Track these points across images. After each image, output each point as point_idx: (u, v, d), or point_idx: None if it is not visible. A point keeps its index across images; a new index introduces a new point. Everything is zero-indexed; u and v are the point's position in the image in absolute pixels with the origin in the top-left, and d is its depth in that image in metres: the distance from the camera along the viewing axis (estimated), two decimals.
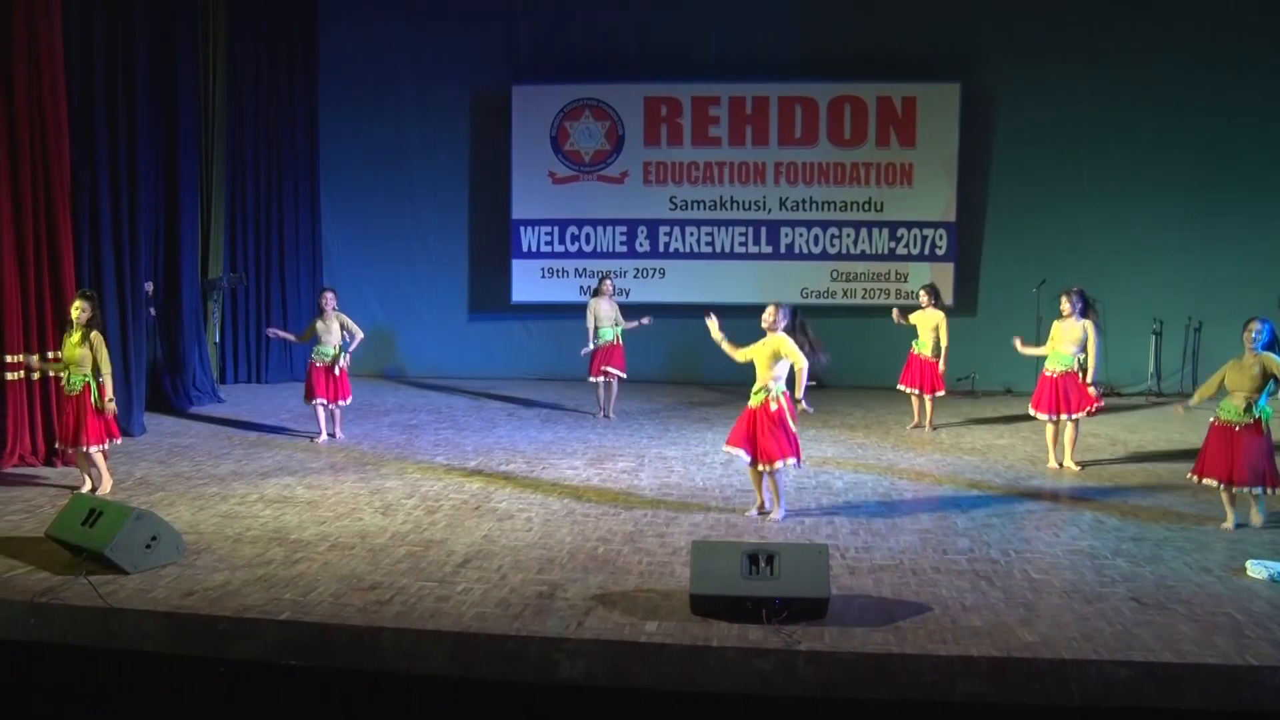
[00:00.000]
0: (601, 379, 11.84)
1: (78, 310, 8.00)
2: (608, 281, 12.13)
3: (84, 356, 7.93)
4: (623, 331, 11.88)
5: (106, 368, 8.00)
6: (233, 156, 14.00)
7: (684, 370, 14.66)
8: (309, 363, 10.45)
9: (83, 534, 6.32)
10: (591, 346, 11.79)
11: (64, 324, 8.43)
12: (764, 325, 7.61)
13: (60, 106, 9.14)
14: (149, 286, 11.31)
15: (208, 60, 13.28)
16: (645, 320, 11.88)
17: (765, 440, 7.45)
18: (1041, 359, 9.66)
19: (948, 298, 13.95)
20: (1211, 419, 7.58)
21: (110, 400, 8.01)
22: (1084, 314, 9.41)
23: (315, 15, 14.78)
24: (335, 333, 10.38)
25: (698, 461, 9.71)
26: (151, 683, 5.06)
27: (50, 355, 8.90)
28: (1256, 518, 7.49)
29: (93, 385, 7.95)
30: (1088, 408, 9.34)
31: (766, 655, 5.14)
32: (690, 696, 4.78)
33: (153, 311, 11.60)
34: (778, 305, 7.68)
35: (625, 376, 11.95)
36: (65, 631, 5.38)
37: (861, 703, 4.76)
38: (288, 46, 14.47)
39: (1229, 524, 7.48)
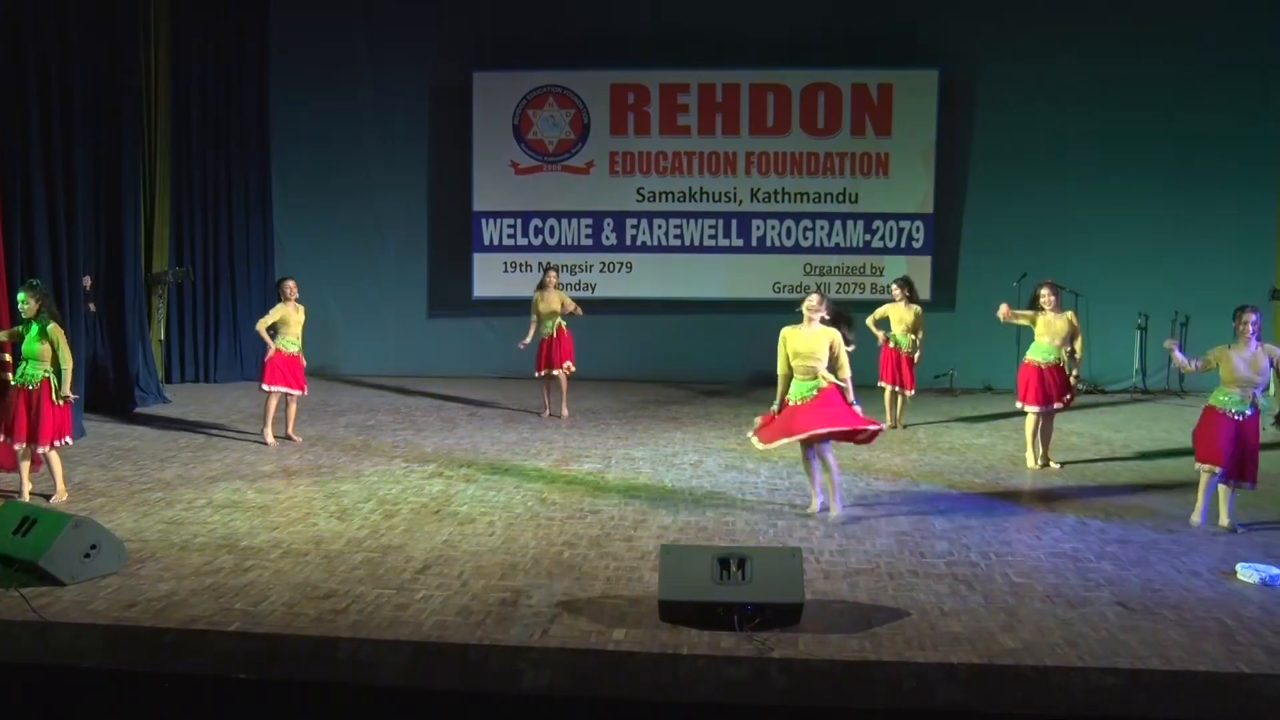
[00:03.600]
0: (547, 373, 11.71)
1: (29, 303, 7.73)
2: (552, 274, 11.90)
3: (43, 350, 7.72)
4: (565, 320, 11.72)
5: (69, 361, 7.81)
6: (179, 146, 13.69)
7: (652, 368, 14.56)
8: (274, 350, 10.18)
9: (14, 543, 6.11)
10: (529, 339, 11.68)
11: None
12: (819, 316, 7.55)
13: None
14: (87, 281, 11.05)
15: (149, 42, 12.95)
16: (577, 311, 11.76)
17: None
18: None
19: (925, 292, 13.94)
20: (1220, 410, 7.46)
21: (71, 394, 7.85)
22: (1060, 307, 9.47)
23: None
24: (298, 322, 10.23)
25: (666, 462, 9.64)
26: (91, 701, 4.93)
27: None
28: (1226, 517, 7.47)
29: (53, 380, 7.75)
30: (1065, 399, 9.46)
31: (738, 663, 5.09)
32: (659, 707, 4.74)
33: (92, 307, 11.38)
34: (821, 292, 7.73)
35: (573, 369, 11.78)
36: None
37: (837, 712, 4.74)
38: (236, 30, 14.18)
39: (1197, 518, 7.50)
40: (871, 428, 7.57)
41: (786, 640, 5.36)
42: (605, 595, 6.04)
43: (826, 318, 7.56)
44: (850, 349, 7.69)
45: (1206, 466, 7.41)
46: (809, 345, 7.48)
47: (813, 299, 7.60)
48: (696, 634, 5.42)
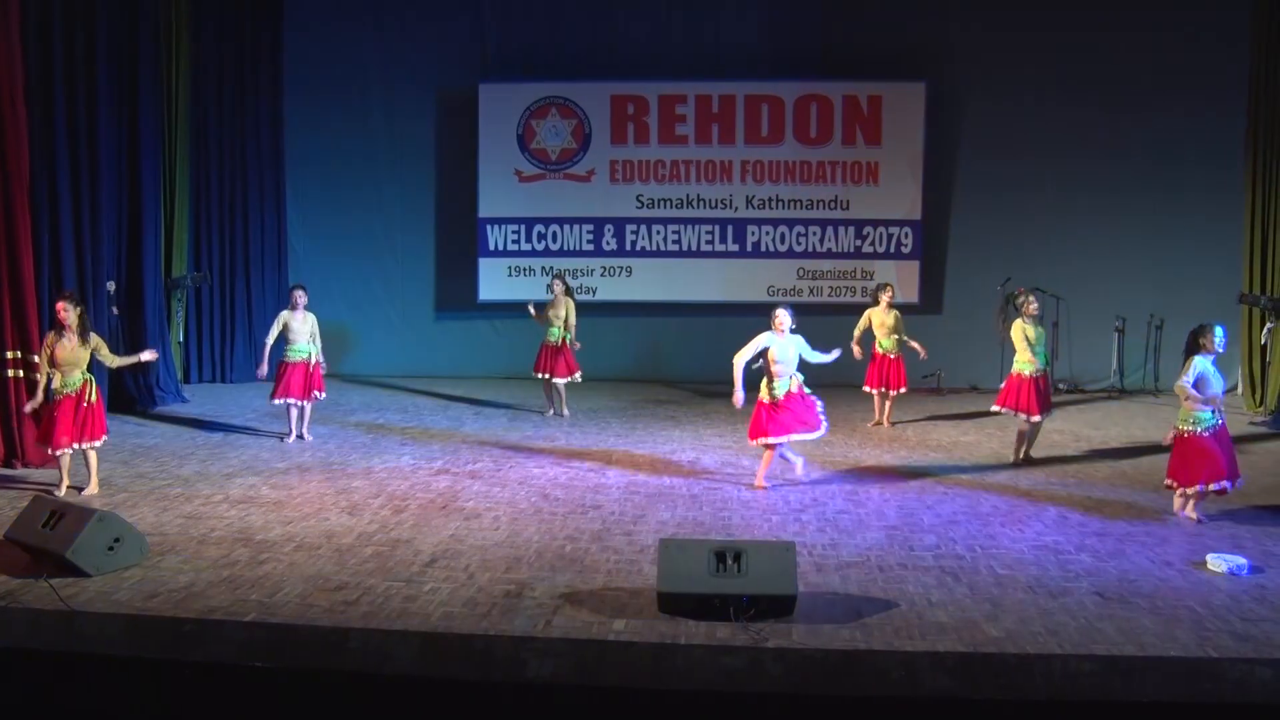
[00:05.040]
0: (545, 377, 11.88)
1: (75, 314, 8.03)
2: (556, 281, 12.06)
3: (83, 356, 8.05)
4: (569, 337, 11.88)
5: (114, 360, 8.37)
6: (196, 154, 13.86)
7: (651, 368, 14.70)
8: (280, 361, 10.32)
9: (43, 536, 6.23)
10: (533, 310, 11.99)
11: (21, 323, 8.46)
12: (789, 328, 8.50)
13: (18, 102, 8.98)
14: (111, 286, 11.19)
15: (170, 56, 13.10)
16: (575, 345, 11.96)
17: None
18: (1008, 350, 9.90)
19: (913, 295, 14.14)
20: (1199, 430, 7.54)
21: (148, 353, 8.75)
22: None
23: (280, 12, 14.68)
24: (308, 331, 10.34)
25: (665, 459, 9.74)
26: (114, 686, 5.02)
27: (9, 356, 8.85)
28: (1197, 512, 7.65)
29: (91, 381, 8.10)
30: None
31: (734, 653, 5.17)
32: (658, 694, 4.82)
33: (115, 311, 11.48)
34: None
35: (566, 380, 11.91)
36: (25, 636, 5.34)
37: (829, 699, 4.83)
38: (252, 43, 14.36)
39: (1197, 516, 7.62)
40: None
41: (780, 630, 5.45)
42: (606, 587, 6.12)
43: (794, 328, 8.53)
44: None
45: (1211, 488, 7.45)
46: (786, 352, 8.46)
47: (786, 316, 8.50)
48: (694, 624, 5.50)
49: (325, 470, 9.15)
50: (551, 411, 12.01)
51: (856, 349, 11.34)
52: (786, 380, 8.42)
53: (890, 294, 11.58)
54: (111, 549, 6.26)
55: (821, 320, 13.58)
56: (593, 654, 5.21)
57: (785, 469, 8.84)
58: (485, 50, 14.83)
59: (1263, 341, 12.20)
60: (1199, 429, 7.50)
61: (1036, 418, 9.46)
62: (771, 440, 8.48)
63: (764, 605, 5.60)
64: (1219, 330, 7.54)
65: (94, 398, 8.13)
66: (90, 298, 10.20)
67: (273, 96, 14.60)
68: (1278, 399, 11.80)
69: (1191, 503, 7.64)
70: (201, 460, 9.46)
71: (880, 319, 11.46)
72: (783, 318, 8.43)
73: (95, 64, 10.42)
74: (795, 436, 8.50)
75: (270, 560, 6.57)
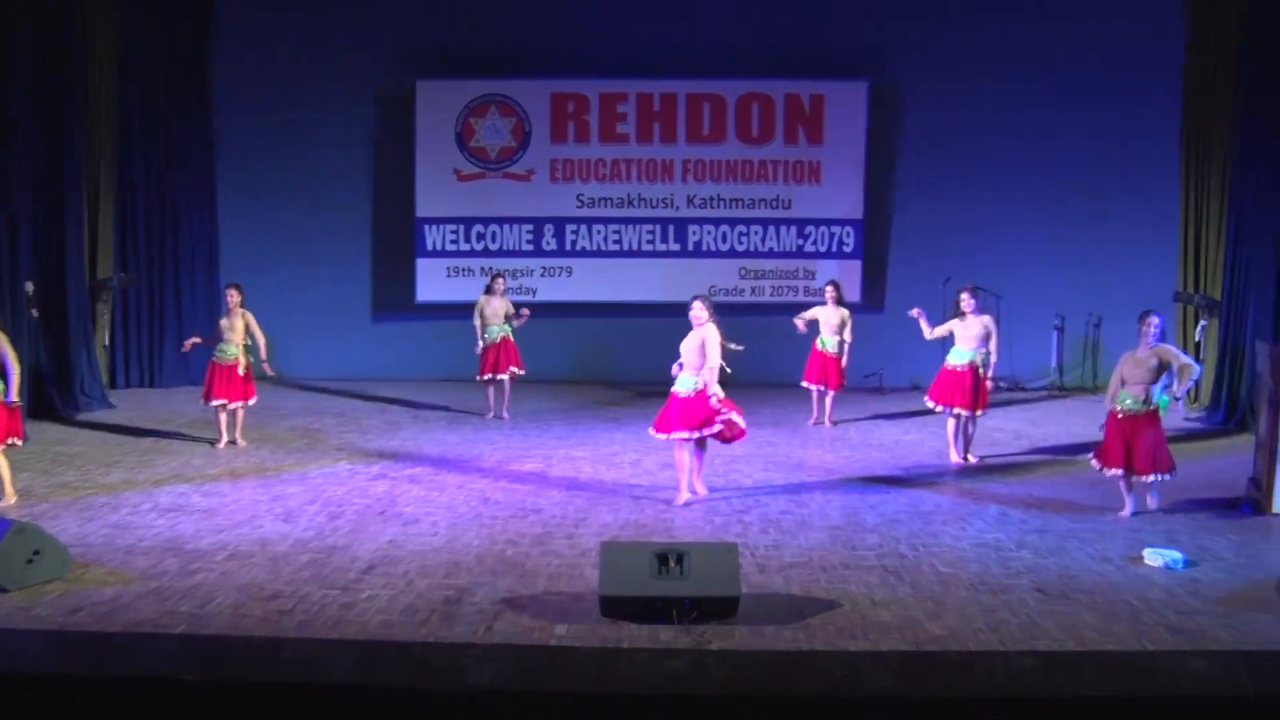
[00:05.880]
0: (492, 377, 11.76)
1: None
2: (500, 280, 11.98)
3: None
4: (512, 329, 11.77)
5: (16, 365, 7.79)
6: (122, 152, 13.54)
7: (592, 369, 14.64)
8: (210, 362, 10.16)
9: None
10: (480, 344, 11.74)
11: None
12: (702, 320, 7.92)
13: None
14: (29, 287, 10.88)
15: (94, 51, 12.80)
16: (525, 312, 11.82)
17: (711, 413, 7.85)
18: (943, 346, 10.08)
19: (855, 295, 14.19)
20: (1113, 409, 7.82)
21: (17, 399, 7.81)
22: (981, 310, 9.77)
23: (209, 4, 14.36)
24: (239, 330, 10.15)
25: (606, 461, 9.72)
26: (36, 707, 4.83)
27: None
28: (1152, 502, 7.89)
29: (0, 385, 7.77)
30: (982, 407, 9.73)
31: (677, 655, 5.17)
32: (601, 699, 4.79)
33: (35, 313, 11.16)
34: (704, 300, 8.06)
35: (522, 373, 11.83)
36: None
37: (772, 700, 4.80)
38: (180, 37, 14.03)
39: (1126, 512, 7.78)
40: (709, 432, 7.90)
41: (723, 632, 5.47)
42: (547, 592, 6.11)
43: (705, 320, 7.92)
44: (737, 348, 8.12)
45: (1109, 471, 7.76)
46: (685, 345, 7.97)
47: (694, 305, 7.98)
48: (637, 628, 5.50)
49: (259, 476, 9.01)
50: (491, 414, 11.91)
51: (800, 324, 11.56)
52: (691, 378, 7.89)
53: (831, 291, 11.65)
54: (31, 562, 6.09)
55: (763, 320, 13.72)
56: (534, 659, 5.20)
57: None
58: (423, 46, 14.59)
59: (1197, 339, 12.45)
60: (1116, 407, 7.78)
61: (940, 408, 9.64)
62: (659, 435, 8.11)
63: (707, 607, 5.60)
64: (1152, 318, 7.80)
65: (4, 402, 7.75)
66: (8, 299, 9.92)
67: (201, 91, 14.26)
68: (1212, 396, 12.05)
69: (1128, 496, 7.79)
70: (129, 468, 9.26)
71: (825, 316, 11.52)
72: (693, 309, 7.96)
73: (15, 58, 10.13)
74: (676, 435, 7.95)
75: (201, 570, 6.45)
